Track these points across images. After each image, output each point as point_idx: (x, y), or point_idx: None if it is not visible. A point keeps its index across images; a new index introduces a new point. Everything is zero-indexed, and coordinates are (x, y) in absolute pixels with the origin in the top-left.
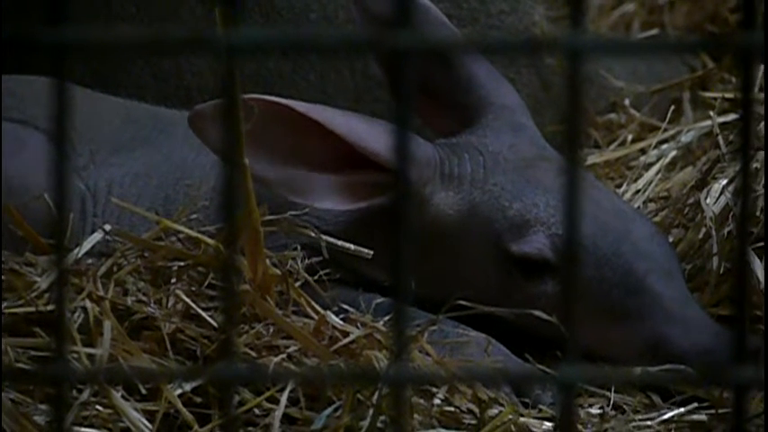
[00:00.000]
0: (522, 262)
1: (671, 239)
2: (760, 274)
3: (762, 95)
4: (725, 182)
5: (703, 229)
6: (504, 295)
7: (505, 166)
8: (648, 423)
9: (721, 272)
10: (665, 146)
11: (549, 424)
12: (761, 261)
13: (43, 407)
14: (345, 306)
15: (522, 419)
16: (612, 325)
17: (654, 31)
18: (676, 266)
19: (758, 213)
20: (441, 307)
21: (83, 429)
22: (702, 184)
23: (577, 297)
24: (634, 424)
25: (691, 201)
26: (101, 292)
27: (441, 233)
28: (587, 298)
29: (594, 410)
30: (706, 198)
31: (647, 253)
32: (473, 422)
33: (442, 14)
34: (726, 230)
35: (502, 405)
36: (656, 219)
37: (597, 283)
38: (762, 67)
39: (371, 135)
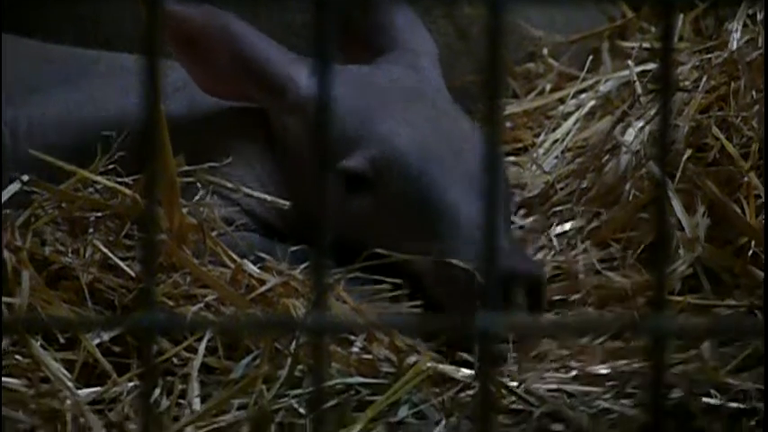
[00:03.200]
0: (345, 176)
1: (585, 184)
2: (678, 209)
3: (681, 45)
4: (641, 123)
5: (620, 170)
6: (340, 215)
7: (371, 92)
8: None
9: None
10: (583, 95)
11: (466, 371)
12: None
13: None
14: (262, 254)
15: (440, 367)
16: (412, 241)
17: None
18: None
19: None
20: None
21: (2, 378)
22: (618, 123)
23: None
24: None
25: (608, 147)
26: (18, 242)
27: (293, 155)
28: (391, 212)
29: None
30: (623, 135)
31: (465, 177)
32: (391, 370)
33: None
34: (641, 172)
35: (419, 353)
36: (572, 165)
37: (401, 199)
38: (680, 15)
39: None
